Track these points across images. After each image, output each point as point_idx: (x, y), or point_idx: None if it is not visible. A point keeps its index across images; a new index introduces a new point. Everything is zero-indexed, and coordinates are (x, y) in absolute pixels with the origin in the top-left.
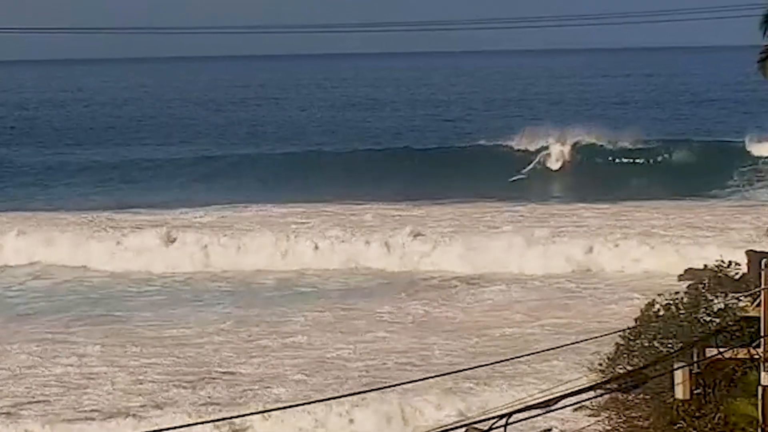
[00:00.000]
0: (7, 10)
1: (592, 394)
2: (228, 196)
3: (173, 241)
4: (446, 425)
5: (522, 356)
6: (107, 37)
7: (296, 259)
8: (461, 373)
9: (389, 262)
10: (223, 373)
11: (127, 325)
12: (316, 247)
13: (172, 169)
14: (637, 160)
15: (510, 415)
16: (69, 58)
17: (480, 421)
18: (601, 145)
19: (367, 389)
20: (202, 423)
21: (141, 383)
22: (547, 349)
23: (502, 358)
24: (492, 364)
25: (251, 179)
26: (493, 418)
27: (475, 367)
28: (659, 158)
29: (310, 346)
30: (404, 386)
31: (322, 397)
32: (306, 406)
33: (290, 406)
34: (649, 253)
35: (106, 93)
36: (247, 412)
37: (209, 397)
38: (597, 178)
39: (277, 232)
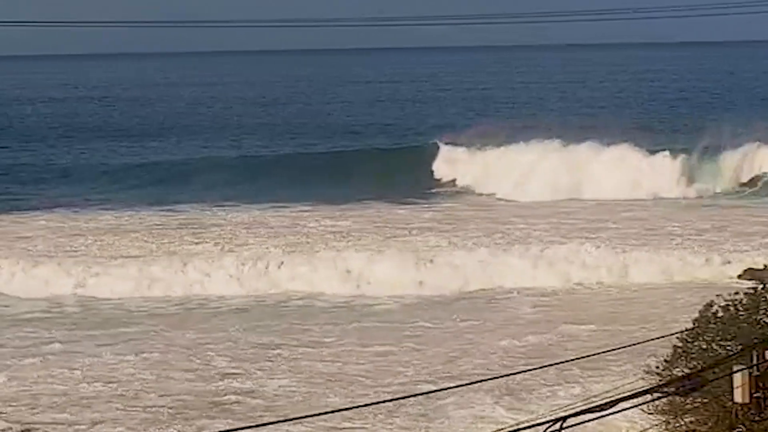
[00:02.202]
0: (40, 3)
1: (649, 397)
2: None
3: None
4: (499, 428)
5: (578, 358)
6: (149, 31)
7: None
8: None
9: None
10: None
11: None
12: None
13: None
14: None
15: (565, 419)
16: (107, 53)
17: (534, 426)
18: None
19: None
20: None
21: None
22: (601, 352)
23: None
24: (549, 366)
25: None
26: (548, 422)
27: (532, 369)
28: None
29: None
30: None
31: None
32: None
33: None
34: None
35: (147, 88)
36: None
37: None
38: None
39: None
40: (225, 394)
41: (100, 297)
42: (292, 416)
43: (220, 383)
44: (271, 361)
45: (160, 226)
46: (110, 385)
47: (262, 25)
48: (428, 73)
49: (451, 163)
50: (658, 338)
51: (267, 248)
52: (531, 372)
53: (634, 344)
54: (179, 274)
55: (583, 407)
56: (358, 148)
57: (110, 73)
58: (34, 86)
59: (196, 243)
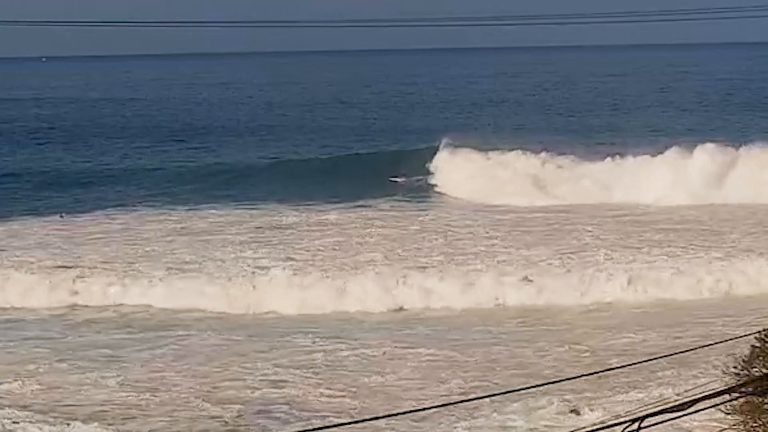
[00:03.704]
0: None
1: (727, 397)
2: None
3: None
4: (577, 428)
5: (648, 360)
6: (235, 31)
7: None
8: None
9: None
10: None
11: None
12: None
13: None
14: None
15: (643, 419)
16: (203, 52)
17: (612, 425)
18: None
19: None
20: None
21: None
22: (674, 353)
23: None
24: (627, 366)
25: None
26: (626, 422)
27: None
28: None
29: None
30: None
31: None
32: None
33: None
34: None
35: (228, 88)
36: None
37: None
38: None
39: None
40: (272, 404)
41: (153, 304)
42: (338, 422)
43: (265, 391)
44: (317, 368)
45: (233, 232)
46: (155, 393)
47: (337, 25)
48: (519, 71)
49: (533, 165)
50: (735, 338)
51: (333, 257)
52: (613, 371)
53: (712, 344)
54: (233, 281)
55: (661, 407)
56: (430, 146)
57: (205, 71)
58: (121, 87)
59: (261, 247)
